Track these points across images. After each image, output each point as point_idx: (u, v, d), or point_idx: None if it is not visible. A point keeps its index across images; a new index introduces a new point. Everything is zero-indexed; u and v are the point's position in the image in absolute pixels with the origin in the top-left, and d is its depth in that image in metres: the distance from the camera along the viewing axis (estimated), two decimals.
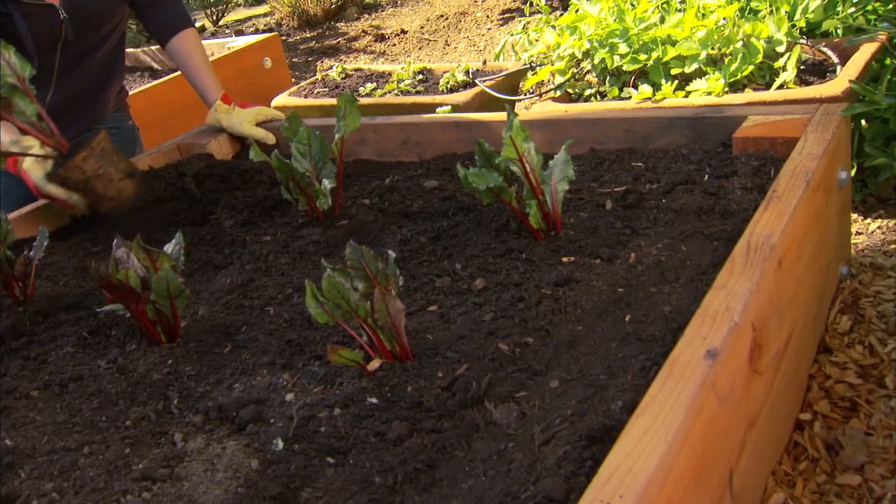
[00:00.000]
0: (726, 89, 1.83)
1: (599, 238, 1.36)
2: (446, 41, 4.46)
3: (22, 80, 1.59)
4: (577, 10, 2.18)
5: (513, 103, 2.42)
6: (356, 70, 2.74)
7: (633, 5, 2.25)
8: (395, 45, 4.66)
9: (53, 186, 1.77)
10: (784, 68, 1.82)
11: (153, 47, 4.09)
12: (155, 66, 4.06)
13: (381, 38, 4.87)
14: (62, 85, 2.10)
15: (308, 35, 5.51)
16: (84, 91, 2.17)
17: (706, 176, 1.46)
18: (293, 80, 3.77)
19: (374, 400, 1.07)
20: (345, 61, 4.56)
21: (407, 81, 2.44)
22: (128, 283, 1.29)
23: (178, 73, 3.36)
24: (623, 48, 2.00)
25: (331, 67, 4.50)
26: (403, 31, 4.87)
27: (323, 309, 1.11)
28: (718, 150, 1.55)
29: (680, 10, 2.26)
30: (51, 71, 2.04)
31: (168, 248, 1.39)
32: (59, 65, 2.06)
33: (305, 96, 2.59)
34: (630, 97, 1.96)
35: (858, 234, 1.77)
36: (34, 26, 1.95)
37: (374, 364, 1.11)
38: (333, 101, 2.49)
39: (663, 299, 1.16)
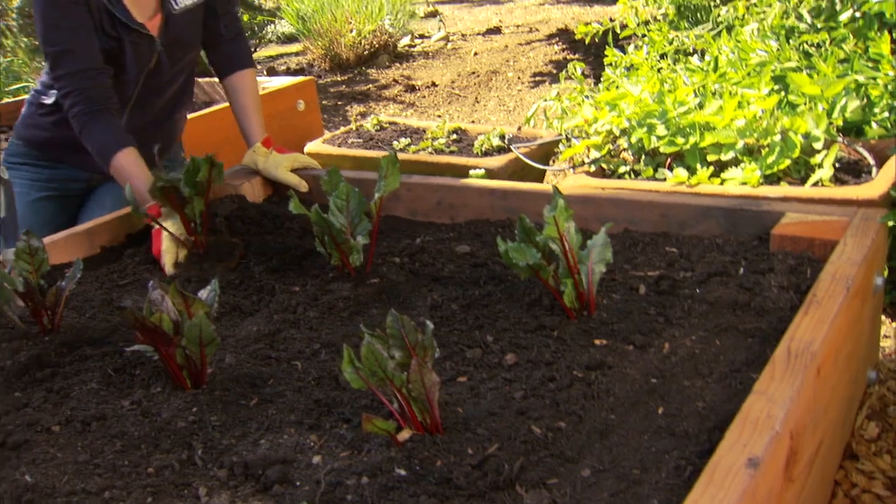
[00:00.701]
0: (762, 181, 1.85)
1: (633, 323, 1.36)
2: (476, 98, 4.51)
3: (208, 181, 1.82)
4: (616, 87, 2.21)
5: (542, 172, 2.44)
6: (391, 123, 2.77)
7: (671, 89, 2.29)
8: (424, 96, 4.72)
9: (174, 272, 1.82)
10: (821, 165, 1.83)
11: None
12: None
13: (411, 88, 4.94)
14: (137, 110, 2.15)
15: (339, 78, 5.59)
16: (157, 116, 2.23)
17: (741, 269, 1.46)
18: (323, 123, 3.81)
19: (403, 472, 1.06)
20: (374, 108, 4.61)
21: (441, 140, 2.47)
22: (161, 326, 1.30)
23: (213, 108, 3.44)
24: (661, 130, 2.02)
25: (361, 114, 4.56)
26: (434, 84, 4.93)
27: (358, 375, 1.11)
28: (754, 243, 1.55)
29: (714, 94, 2.29)
30: (130, 97, 2.10)
31: (203, 294, 1.40)
32: (139, 91, 2.12)
33: (339, 145, 2.62)
34: (665, 179, 1.98)
35: (886, 337, 1.77)
36: (137, 54, 2.02)
37: (405, 434, 1.11)
38: (367, 152, 2.51)
39: (696, 394, 1.16)
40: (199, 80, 3.98)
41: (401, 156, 2.43)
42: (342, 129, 2.83)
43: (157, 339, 1.31)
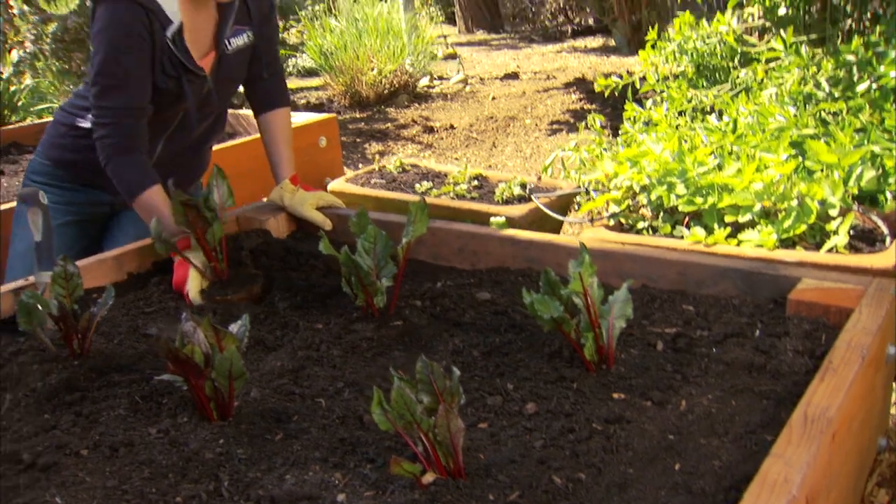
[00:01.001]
0: (777, 244, 1.89)
1: (650, 379, 1.40)
2: (493, 143, 4.59)
3: (223, 208, 1.90)
4: (636, 143, 2.27)
5: (560, 222, 2.49)
6: (413, 165, 2.83)
7: (690, 148, 2.35)
8: (442, 138, 4.80)
9: (199, 300, 1.87)
10: (836, 232, 1.88)
11: None
12: None
13: (429, 129, 5.02)
14: (171, 141, 2.20)
15: (358, 116, 5.68)
16: (189, 147, 2.28)
17: (757, 332, 1.50)
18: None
19: None
20: (392, 147, 4.69)
21: (463, 186, 2.52)
22: (193, 358, 1.34)
23: (236, 140, 3.51)
24: (680, 189, 2.07)
25: (379, 153, 4.64)
26: (452, 127, 5.02)
27: (386, 417, 1.15)
28: (770, 306, 1.59)
29: (731, 154, 2.35)
30: (165, 129, 2.15)
31: (234, 328, 1.44)
32: (180, 121, 2.17)
33: (362, 185, 2.68)
34: (682, 237, 2.02)
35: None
36: (192, 91, 2.08)
37: (429, 477, 1.14)
38: (390, 193, 2.57)
39: (713, 452, 1.19)
40: (240, 112, 4.07)
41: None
42: (365, 168, 2.89)
43: (188, 370, 1.34)
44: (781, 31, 3.07)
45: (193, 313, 1.42)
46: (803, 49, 2.63)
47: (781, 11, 3.16)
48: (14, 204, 2.55)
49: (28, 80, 5.10)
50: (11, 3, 4.21)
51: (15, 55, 4.91)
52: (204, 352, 1.37)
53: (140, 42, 1.94)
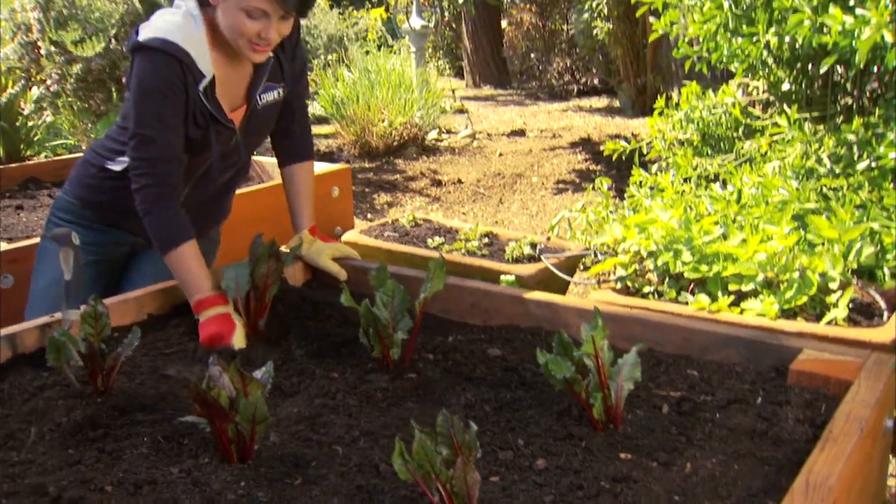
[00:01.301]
0: (779, 314, 1.96)
1: (656, 441, 1.45)
2: (500, 199, 4.69)
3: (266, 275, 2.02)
4: (644, 208, 2.35)
5: (567, 282, 2.56)
6: (425, 220, 2.91)
7: (696, 216, 2.43)
8: (450, 192, 4.90)
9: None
10: (836, 305, 1.95)
11: None
12: None
13: (437, 183, 5.13)
14: (195, 188, 2.27)
15: (367, 165, 5.79)
16: (212, 196, 2.34)
17: (759, 399, 1.56)
18: None
19: None
20: (401, 199, 4.79)
21: (474, 242, 2.60)
22: (219, 402, 1.39)
23: (252, 187, 3.59)
24: (686, 256, 2.15)
25: (388, 204, 4.73)
26: (460, 181, 5.13)
27: (406, 467, 1.20)
28: (772, 374, 1.65)
29: (734, 222, 2.43)
30: (190, 177, 2.21)
31: (258, 374, 1.49)
32: (201, 173, 2.24)
33: (375, 237, 2.75)
34: (687, 303, 2.09)
35: (892, 476, 1.85)
36: (219, 141, 2.16)
37: None
38: (402, 247, 2.64)
39: None
40: (259, 159, 4.16)
41: (434, 254, 2.56)
42: (378, 220, 2.97)
43: (213, 412, 1.40)
44: (785, 106, 3.18)
45: (222, 360, 1.48)
46: (806, 126, 2.73)
47: (785, 87, 3.27)
48: (36, 240, 2.62)
49: (48, 117, 5.22)
50: (39, 43, 4.33)
51: (35, 92, 5.03)
52: (229, 396, 1.43)
53: (175, 92, 2.00)
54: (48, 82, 4.56)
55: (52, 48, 4.29)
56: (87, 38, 4.27)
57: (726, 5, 2.73)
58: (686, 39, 3.07)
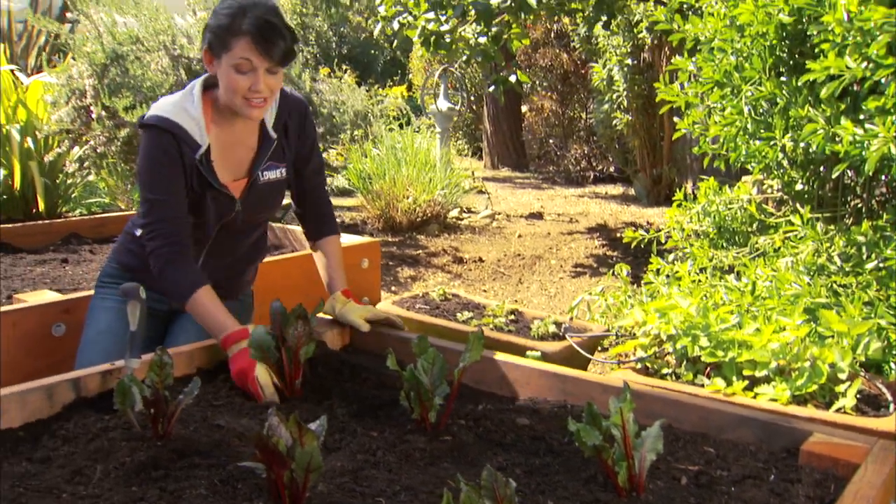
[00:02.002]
0: (790, 400, 2.09)
1: None
2: (520, 279, 4.85)
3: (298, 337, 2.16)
4: (664, 295, 2.51)
5: (588, 360, 2.70)
6: (454, 295, 3.07)
7: (713, 305, 2.58)
8: (471, 270, 5.07)
9: (276, 398, 2.09)
10: (844, 395, 2.08)
11: None
12: None
13: (459, 260, 5.30)
14: (211, 257, 2.45)
15: (390, 240, 5.98)
16: (231, 266, 2.52)
17: (772, 476, 1.68)
18: None
19: None
20: (423, 274, 4.96)
21: (501, 319, 2.75)
22: (278, 449, 1.53)
23: (284, 255, 3.77)
24: (704, 341, 2.29)
25: (411, 277, 4.90)
26: (481, 260, 5.30)
27: None
28: (783, 454, 1.78)
29: (748, 312, 2.57)
30: (206, 243, 2.41)
31: (313, 426, 1.63)
32: (214, 239, 2.43)
33: (407, 308, 2.91)
34: (703, 385, 2.23)
35: None
36: (216, 206, 2.35)
37: None
38: (434, 319, 2.79)
39: None
40: (272, 224, 4.36)
41: (464, 328, 2.71)
42: (408, 293, 3.12)
43: (273, 459, 1.53)
44: (798, 205, 3.36)
45: (281, 412, 1.62)
46: (818, 225, 2.90)
47: (798, 187, 3.46)
48: (85, 293, 2.79)
49: (90, 176, 5.46)
50: (92, 108, 4.59)
51: (76, 152, 5.28)
52: (286, 445, 1.56)
53: (172, 160, 2.25)
54: (93, 143, 4.79)
55: (103, 112, 4.54)
56: (138, 105, 4.52)
57: (746, 110, 2.93)
58: (708, 138, 3.27)
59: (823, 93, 2.48)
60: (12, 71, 5.56)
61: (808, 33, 2.65)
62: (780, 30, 2.79)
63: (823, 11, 2.42)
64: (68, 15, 9.04)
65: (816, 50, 2.60)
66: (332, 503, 1.58)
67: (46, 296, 2.84)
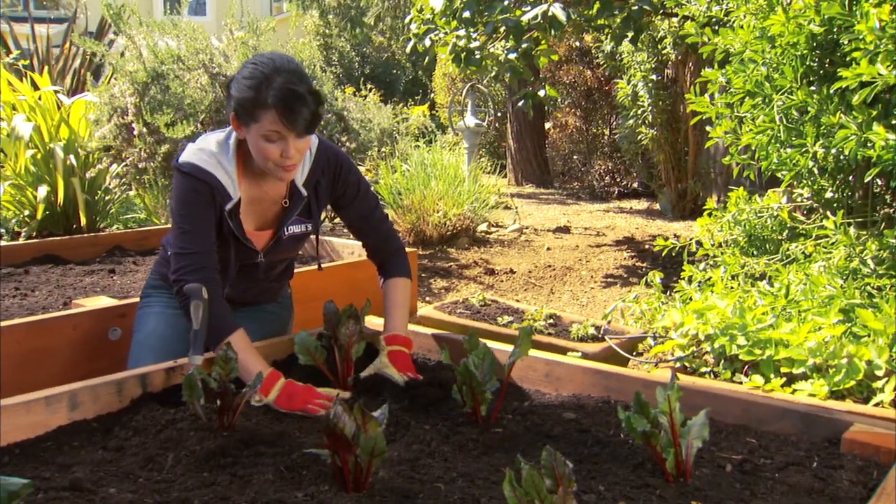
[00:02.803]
0: (828, 395, 2.15)
1: (723, 493, 1.64)
2: (551, 290, 4.93)
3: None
4: (702, 298, 2.58)
5: (626, 361, 2.77)
6: (493, 301, 3.15)
7: (749, 307, 2.64)
8: (503, 281, 5.15)
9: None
10: (882, 390, 2.14)
11: None
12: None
13: (490, 272, 5.39)
14: (233, 289, 2.51)
15: (422, 252, 6.09)
16: (252, 290, 2.60)
17: (815, 463, 1.74)
18: None
19: None
20: (456, 285, 5.05)
21: (541, 322, 2.83)
22: (345, 434, 1.61)
23: (327, 265, 3.87)
24: (741, 340, 2.36)
25: (444, 288, 4.99)
26: (512, 271, 5.39)
27: (514, 493, 1.41)
28: (825, 444, 1.84)
29: (783, 315, 2.64)
30: (225, 280, 2.44)
31: (376, 414, 1.72)
32: (237, 277, 2.50)
33: (449, 313, 2.99)
34: (741, 383, 2.29)
35: None
36: (238, 253, 2.42)
37: None
38: (475, 323, 2.88)
39: None
40: (330, 239, 4.46)
41: (505, 331, 2.79)
42: (450, 298, 3.21)
43: (339, 444, 1.62)
44: (828, 212, 3.42)
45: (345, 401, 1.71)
46: (851, 230, 2.96)
47: (828, 195, 3.52)
48: (136, 299, 2.90)
49: (131, 191, 5.60)
50: (133, 125, 4.73)
51: (115, 167, 5.42)
52: (351, 431, 1.65)
53: (206, 199, 2.28)
54: (133, 159, 4.93)
55: (144, 129, 4.68)
56: (179, 122, 4.65)
57: (778, 119, 3.01)
58: (739, 147, 3.34)
59: (855, 99, 2.56)
60: (55, 92, 5.74)
61: (840, 42, 2.72)
62: (811, 40, 2.86)
63: (855, 21, 2.50)
64: (111, 37, 9.26)
65: (848, 58, 2.68)
66: (394, 487, 1.66)
67: (102, 301, 2.95)
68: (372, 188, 2.60)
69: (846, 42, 2.57)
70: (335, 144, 2.57)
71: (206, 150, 2.32)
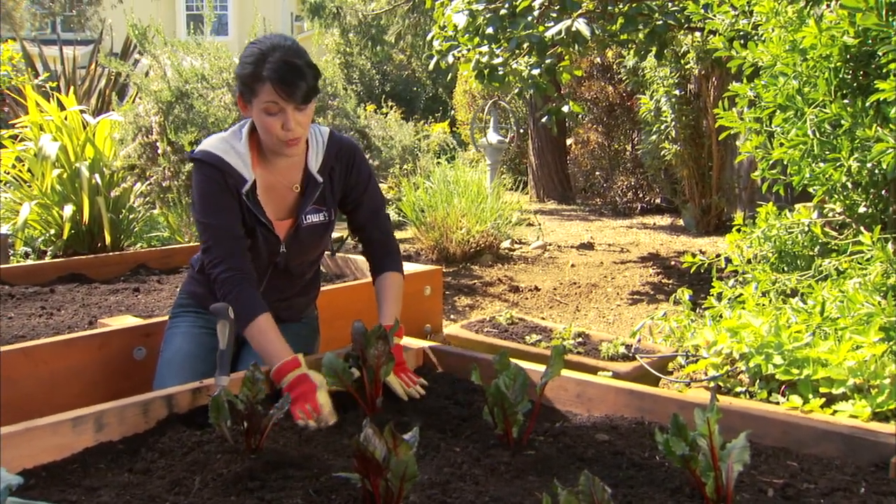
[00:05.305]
0: (871, 417, 2.09)
1: None
2: (577, 307, 4.87)
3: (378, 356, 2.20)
4: (736, 316, 2.52)
5: (657, 380, 2.71)
6: (520, 319, 3.11)
7: (784, 325, 2.58)
8: (527, 298, 5.10)
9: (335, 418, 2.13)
10: None
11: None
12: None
13: (515, 289, 5.34)
14: (267, 293, 2.51)
15: (445, 270, 6.05)
16: (282, 302, 2.58)
17: (862, 489, 1.68)
18: None
19: None
20: (481, 302, 5.00)
21: (569, 341, 2.78)
22: (375, 457, 1.57)
23: (348, 283, 3.85)
24: (777, 359, 2.30)
25: (469, 306, 4.95)
26: (537, 289, 5.33)
27: None
28: (871, 468, 1.78)
29: (819, 333, 2.57)
30: (262, 279, 2.47)
31: (407, 437, 1.68)
32: (269, 276, 2.51)
33: (476, 332, 2.95)
34: (778, 403, 2.23)
35: None
36: (266, 244, 2.45)
37: None
38: (502, 341, 2.83)
39: None
40: (334, 255, 4.44)
41: (534, 349, 2.74)
42: (475, 316, 3.17)
43: (370, 468, 1.58)
44: (861, 227, 3.34)
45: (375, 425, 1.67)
46: (889, 246, 2.89)
47: (861, 209, 3.45)
48: (160, 318, 2.89)
49: (155, 210, 5.62)
50: (158, 144, 4.75)
51: (139, 186, 5.45)
52: (382, 454, 1.61)
53: (223, 189, 2.34)
54: (157, 178, 4.95)
55: (169, 148, 4.69)
56: (203, 140, 4.66)
57: (811, 133, 2.95)
58: (769, 162, 3.29)
59: (893, 112, 2.50)
60: (81, 111, 5.78)
61: (875, 54, 2.67)
62: (844, 52, 2.81)
63: (892, 31, 2.45)
64: (136, 57, 9.35)
65: (884, 70, 2.62)
66: None
67: (128, 321, 2.94)
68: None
69: (882, 53, 2.52)
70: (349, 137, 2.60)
71: (219, 136, 2.41)
